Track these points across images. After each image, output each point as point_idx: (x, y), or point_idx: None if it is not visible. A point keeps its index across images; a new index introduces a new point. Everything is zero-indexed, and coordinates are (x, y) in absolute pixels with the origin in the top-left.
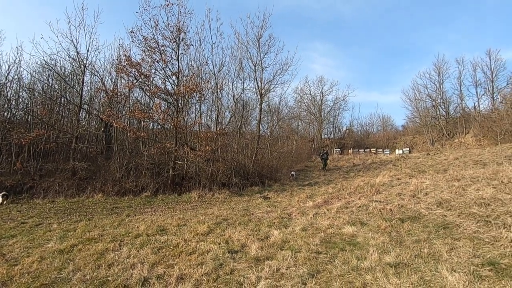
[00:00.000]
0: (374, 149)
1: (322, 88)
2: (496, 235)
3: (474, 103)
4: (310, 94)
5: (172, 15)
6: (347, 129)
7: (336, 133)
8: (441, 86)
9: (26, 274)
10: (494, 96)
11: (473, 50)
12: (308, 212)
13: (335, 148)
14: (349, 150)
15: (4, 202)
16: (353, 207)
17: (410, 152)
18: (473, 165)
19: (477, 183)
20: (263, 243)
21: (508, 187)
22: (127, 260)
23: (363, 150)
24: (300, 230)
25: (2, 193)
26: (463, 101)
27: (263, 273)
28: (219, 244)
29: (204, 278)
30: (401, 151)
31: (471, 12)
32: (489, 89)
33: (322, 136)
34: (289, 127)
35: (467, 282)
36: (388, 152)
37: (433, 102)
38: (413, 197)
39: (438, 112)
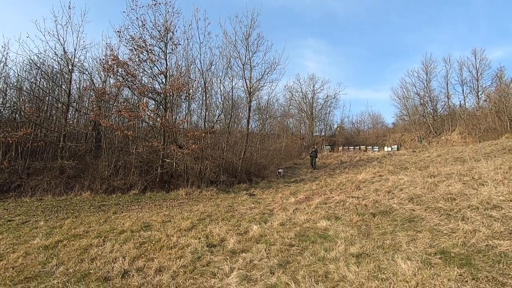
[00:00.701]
0: (364, 147)
1: (314, 86)
2: (453, 227)
3: (460, 101)
4: (302, 92)
5: (160, 14)
6: (338, 126)
7: (327, 131)
8: (429, 85)
9: (11, 269)
10: (479, 94)
11: (464, 49)
12: (289, 208)
13: (326, 146)
14: (339, 148)
15: None
16: (331, 202)
17: (398, 149)
18: (453, 161)
19: (450, 179)
20: (242, 237)
21: (477, 183)
22: (110, 254)
23: (352, 147)
24: (278, 225)
25: None
26: (449, 99)
27: (237, 264)
28: (199, 238)
29: (182, 270)
30: (389, 148)
31: (462, 12)
32: (474, 87)
33: (314, 134)
34: (281, 124)
35: (416, 269)
36: (377, 150)
37: (421, 100)
38: (388, 192)
39: (425, 110)
